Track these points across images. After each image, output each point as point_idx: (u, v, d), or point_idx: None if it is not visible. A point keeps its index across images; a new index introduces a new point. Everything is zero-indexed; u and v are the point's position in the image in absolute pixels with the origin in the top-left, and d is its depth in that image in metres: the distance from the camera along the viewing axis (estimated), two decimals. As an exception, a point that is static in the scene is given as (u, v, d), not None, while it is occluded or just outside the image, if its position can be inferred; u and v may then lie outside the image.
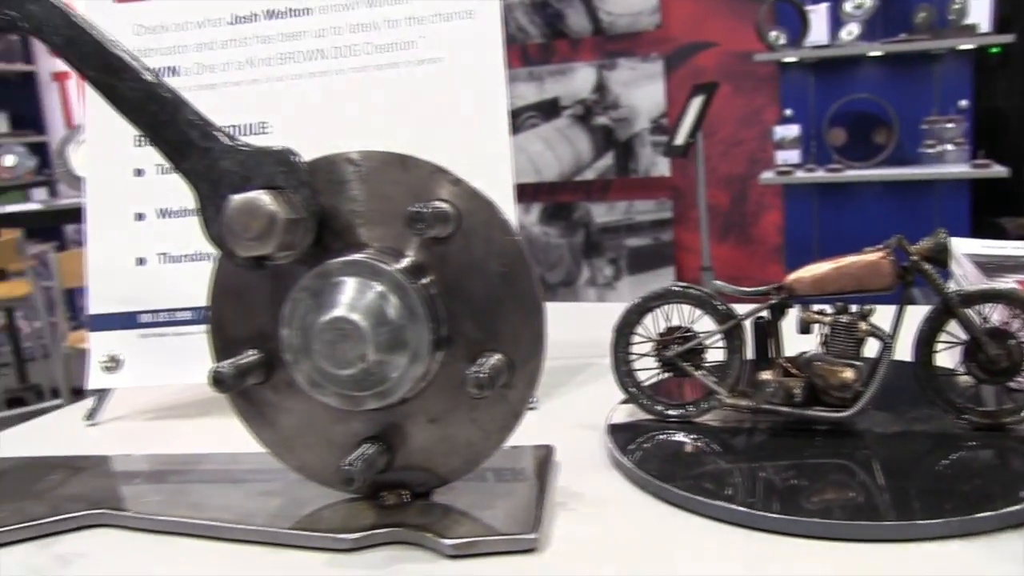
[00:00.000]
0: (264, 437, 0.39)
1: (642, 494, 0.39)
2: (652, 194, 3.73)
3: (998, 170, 3.02)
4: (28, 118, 4.63)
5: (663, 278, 3.76)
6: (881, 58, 3.27)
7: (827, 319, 0.43)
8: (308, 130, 0.55)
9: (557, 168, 3.79)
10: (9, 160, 4.26)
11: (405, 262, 0.35)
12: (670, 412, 0.45)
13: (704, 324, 0.45)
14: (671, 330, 0.46)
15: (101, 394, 0.55)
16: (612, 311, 0.48)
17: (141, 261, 0.55)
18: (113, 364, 0.54)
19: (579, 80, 3.65)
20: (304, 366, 0.35)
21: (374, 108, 0.54)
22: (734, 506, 0.36)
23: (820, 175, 3.25)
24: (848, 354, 0.42)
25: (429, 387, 0.36)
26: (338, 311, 0.34)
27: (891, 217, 3.28)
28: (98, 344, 0.55)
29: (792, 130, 3.33)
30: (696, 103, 3.02)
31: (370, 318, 0.34)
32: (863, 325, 0.42)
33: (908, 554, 0.33)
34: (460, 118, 0.54)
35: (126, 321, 0.55)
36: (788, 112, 3.41)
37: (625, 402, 0.47)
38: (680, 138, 3.01)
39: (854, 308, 0.43)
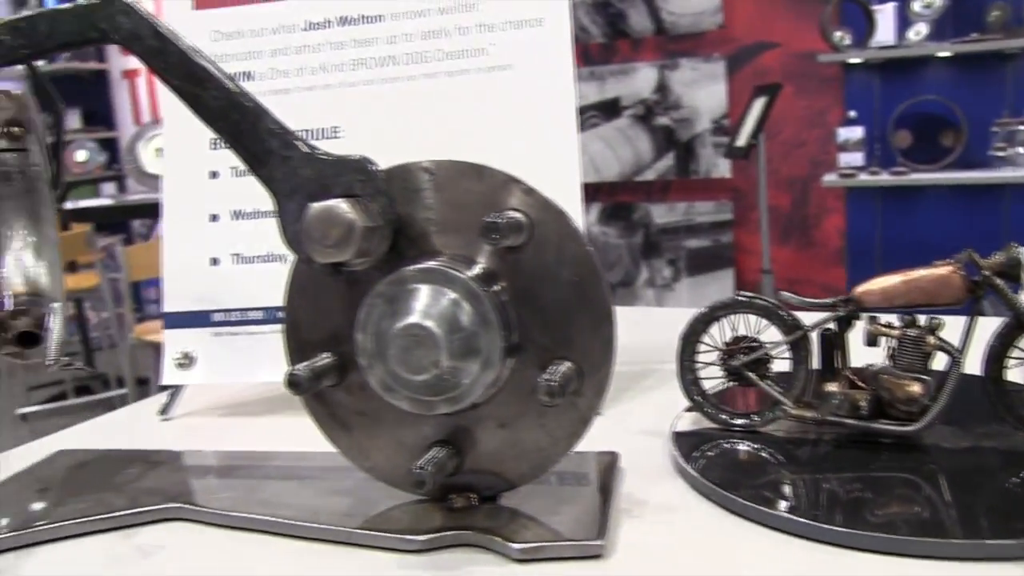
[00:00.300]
0: (336, 438, 0.40)
1: (706, 502, 0.40)
2: (712, 195, 3.69)
3: (1073, 174, 2.91)
4: (99, 115, 4.77)
5: (722, 280, 3.72)
6: (950, 58, 3.19)
7: (895, 332, 0.43)
8: (380, 135, 0.56)
9: (617, 168, 3.77)
10: (81, 155, 4.39)
11: (478, 269, 0.36)
12: (735, 421, 0.45)
13: (770, 334, 0.45)
14: (737, 339, 0.46)
15: (174, 390, 0.57)
16: (675, 316, 0.48)
17: (215, 261, 0.57)
18: (187, 361, 0.56)
19: (640, 80, 3.62)
20: (378, 370, 0.36)
21: (445, 114, 0.55)
22: (797, 517, 0.36)
23: (884, 178, 3.18)
24: (916, 367, 0.42)
25: (500, 393, 0.37)
26: (413, 318, 0.35)
27: (958, 223, 3.19)
28: (172, 341, 0.57)
29: (856, 132, 3.26)
30: (758, 104, 2.99)
31: (444, 325, 0.35)
32: (931, 339, 0.42)
33: (975, 573, 0.33)
34: (529, 125, 0.54)
35: (200, 320, 0.57)
36: (852, 114, 3.34)
37: (690, 410, 0.47)
38: (742, 139, 2.98)
39: (923, 321, 0.43)
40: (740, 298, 0.46)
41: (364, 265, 0.36)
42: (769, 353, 0.45)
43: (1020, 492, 0.38)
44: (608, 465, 0.42)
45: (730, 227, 3.72)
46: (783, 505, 0.37)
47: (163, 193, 0.58)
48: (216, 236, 0.57)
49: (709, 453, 0.43)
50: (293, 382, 0.36)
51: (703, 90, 3.58)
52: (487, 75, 0.55)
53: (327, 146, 0.54)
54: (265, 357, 0.56)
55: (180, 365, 0.56)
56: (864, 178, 3.19)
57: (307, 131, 0.57)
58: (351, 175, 0.36)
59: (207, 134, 0.47)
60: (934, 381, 0.42)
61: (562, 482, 0.41)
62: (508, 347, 0.35)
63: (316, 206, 0.35)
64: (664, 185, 3.74)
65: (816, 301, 0.45)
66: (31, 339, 0.41)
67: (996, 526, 0.35)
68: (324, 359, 0.38)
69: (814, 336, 0.44)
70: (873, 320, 0.43)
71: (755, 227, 3.58)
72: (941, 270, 0.42)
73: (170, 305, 0.57)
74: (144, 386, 3.19)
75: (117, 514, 0.40)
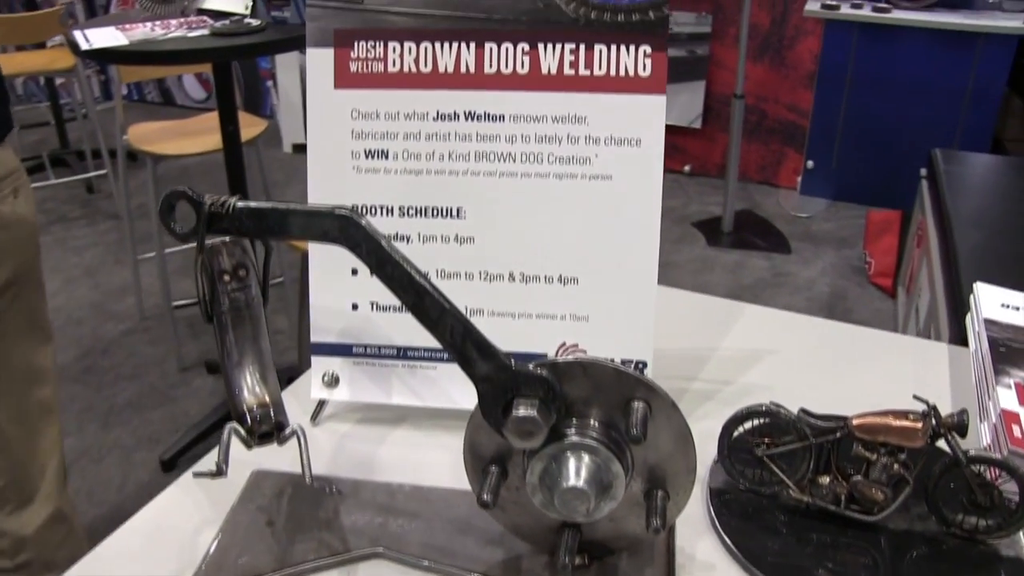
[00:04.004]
0: (495, 514, 0.58)
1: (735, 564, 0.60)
2: (693, 6, 3.67)
3: (1048, 29, 2.99)
4: None
5: (694, 91, 3.79)
6: None
7: (871, 455, 0.61)
8: (498, 222, 0.68)
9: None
10: None
11: (614, 435, 0.53)
12: (758, 488, 0.65)
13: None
14: (762, 433, 0.64)
15: (322, 402, 0.74)
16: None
17: (355, 306, 0.71)
18: (332, 381, 0.72)
19: None
20: (539, 498, 0.54)
21: (551, 212, 0.68)
22: None
23: (866, 13, 3.21)
24: (881, 481, 0.61)
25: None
26: (572, 482, 0.52)
27: (929, 63, 3.29)
28: (319, 365, 0.72)
29: (847, -41, 3.24)
30: (757, -74, 2.93)
31: (594, 486, 0.52)
32: (895, 464, 0.61)
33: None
34: (620, 229, 0.68)
35: (342, 350, 0.72)
36: (847, -63, 3.29)
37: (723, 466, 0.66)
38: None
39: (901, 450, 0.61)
40: (769, 409, 0.63)
41: (537, 442, 0.52)
42: (784, 449, 0.64)
43: (921, 567, 0.59)
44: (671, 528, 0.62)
45: (707, 40, 3.73)
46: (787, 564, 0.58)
47: (310, 250, 0.70)
48: (356, 286, 0.71)
49: (737, 512, 0.63)
50: (483, 504, 0.54)
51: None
52: (589, 182, 0.68)
53: (451, 225, 0.68)
54: (398, 383, 0.72)
55: (327, 384, 0.72)
56: (846, 11, 3.23)
57: (435, 209, 0.69)
58: (538, 386, 0.51)
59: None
60: (891, 492, 0.61)
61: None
62: (629, 485, 0.53)
63: (516, 416, 0.50)
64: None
65: (822, 425, 0.62)
66: (269, 437, 0.57)
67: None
68: (493, 471, 0.56)
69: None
70: (860, 443, 0.62)
71: (731, 42, 3.62)
72: (915, 424, 0.60)
73: (316, 337, 0.72)
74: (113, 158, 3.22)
75: (337, 558, 0.58)
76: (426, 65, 0.68)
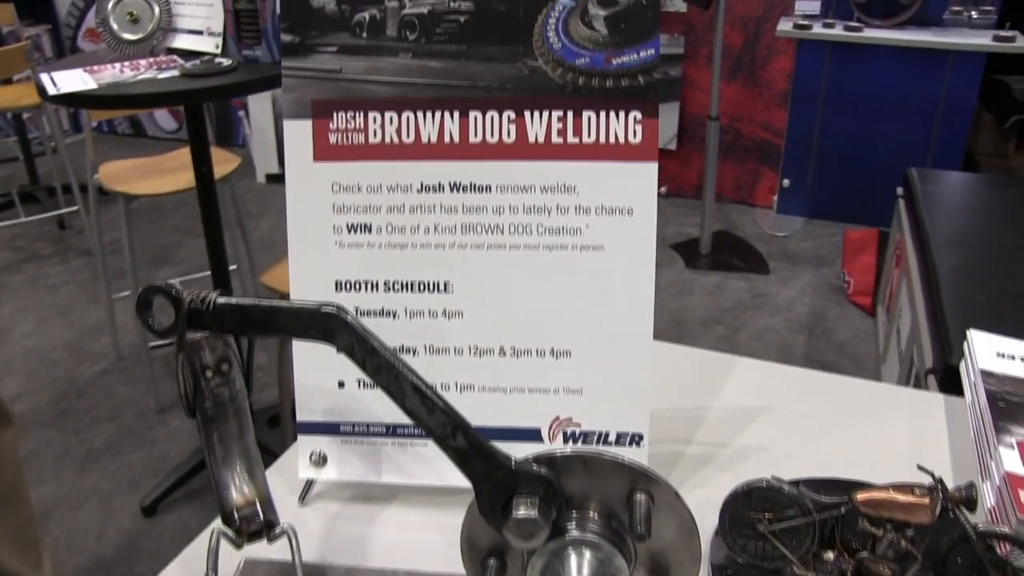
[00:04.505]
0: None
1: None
2: (666, 28, 3.68)
3: (1021, 46, 3.04)
4: None
5: (668, 112, 3.81)
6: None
7: (878, 531, 0.60)
8: (486, 296, 0.66)
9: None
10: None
11: (616, 527, 0.51)
12: (760, 563, 0.63)
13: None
14: (764, 508, 0.63)
15: (310, 482, 0.71)
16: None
17: (341, 384, 0.69)
18: (320, 460, 0.69)
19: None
20: (542, 591, 0.51)
21: (542, 284, 0.66)
22: None
23: (838, 32, 3.24)
24: (888, 556, 0.60)
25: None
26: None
27: (902, 80, 3.32)
28: (306, 444, 0.69)
29: (818, -20, 3.27)
30: (727, -50, 2.95)
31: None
32: (902, 541, 0.59)
33: None
34: (612, 301, 0.66)
35: (329, 429, 0.69)
36: (816, -42, 3.33)
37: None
38: (705, -13, 2.97)
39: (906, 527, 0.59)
40: (770, 484, 0.62)
41: (538, 542, 0.50)
42: (788, 525, 0.62)
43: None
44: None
45: (680, 61, 3.75)
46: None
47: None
48: (341, 364, 0.68)
49: (740, 600, 0.61)
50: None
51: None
52: (580, 253, 0.66)
53: (439, 300, 0.66)
54: (387, 462, 0.69)
55: (314, 463, 0.70)
56: (818, 30, 3.25)
57: (422, 283, 0.67)
58: (537, 484, 0.49)
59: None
60: (899, 568, 0.59)
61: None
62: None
63: (517, 518, 0.48)
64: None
65: (827, 501, 0.61)
66: (259, 535, 0.55)
67: None
68: (492, 566, 0.53)
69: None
70: (866, 518, 0.60)
71: (704, 63, 3.64)
72: (921, 499, 0.58)
73: (303, 416, 0.69)
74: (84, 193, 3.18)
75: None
76: (408, 135, 0.66)
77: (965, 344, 0.91)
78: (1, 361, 2.83)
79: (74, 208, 3.64)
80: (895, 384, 2.37)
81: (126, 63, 1.99)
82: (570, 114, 0.65)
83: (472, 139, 0.65)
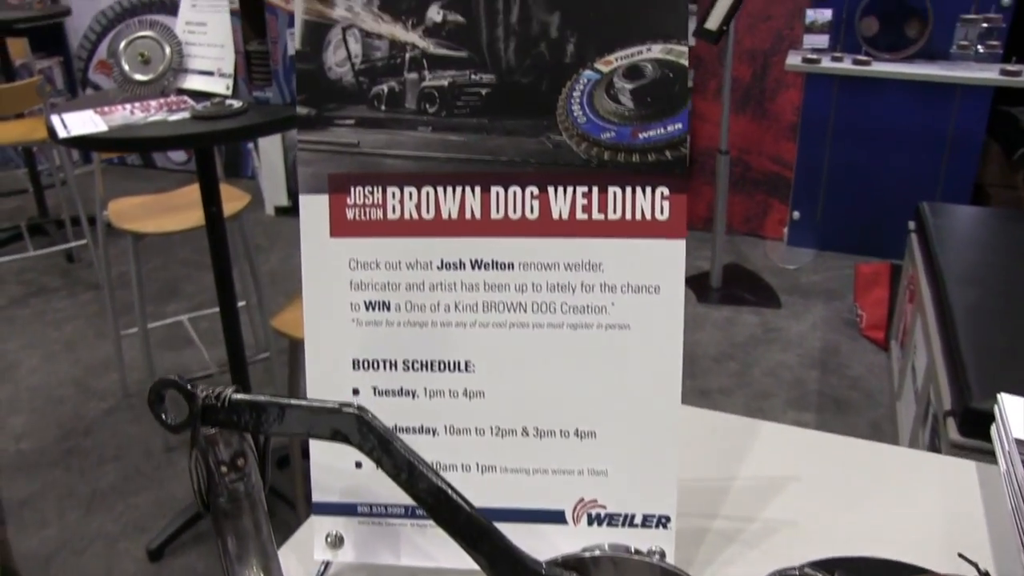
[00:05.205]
0: None
1: None
2: (675, 61, 3.68)
3: (1025, 80, 3.02)
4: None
5: (674, 145, 3.79)
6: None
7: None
8: (509, 375, 0.64)
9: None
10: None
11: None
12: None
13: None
14: (791, 601, 0.60)
15: (326, 563, 0.69)
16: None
17: (359, 465, 0.66)
18: (336, 542, 0.67)
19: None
20: None
21: (566, 364, 0.64)
22: None
23: (847, 66, 3.24)
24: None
25: None
26: None
27: (910, 112, 3.32)
28: (322, 525, 0.67)
29: (825, 14, 3.28)
30: (735, -13, 2.95)
31: None
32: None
33: None
34: (638, 383, 0.64)
35: (346, 509, 0.67)
36: (824, -8, 3.33)
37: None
38: (713, 22, 2.97)
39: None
40: (804, 573, 0.59)
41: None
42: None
43: None
44: None
45: (689, 93, 3.75)
46: None
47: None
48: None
49: None
50: None
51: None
52: (606, 332, 0.64)
53: (459, 379, 0.64)
54: (406, 543, 0.67)
55: (331, 544, 0.67)
56: (827, 64, 3.25)
57: (442, 363, 0.65)
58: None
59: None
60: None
61: None
62: None
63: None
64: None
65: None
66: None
67: None
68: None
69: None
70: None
71: (712, 96, 3.64)
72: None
73: (318, 496, 0.67)
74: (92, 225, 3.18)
75: None
76: (428, 211, 0.64)
77: (996, 408, 0.88)
78: (6, 398, 2.82)
79: (83, 241, 3.64)
80: (913, 419, 2.34)
81: (137, 104, 1.99)
82: (595, 190, 0.63)
83: (494, 215, 0.64)
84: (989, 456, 0.81)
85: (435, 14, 0.65)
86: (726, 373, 2.79)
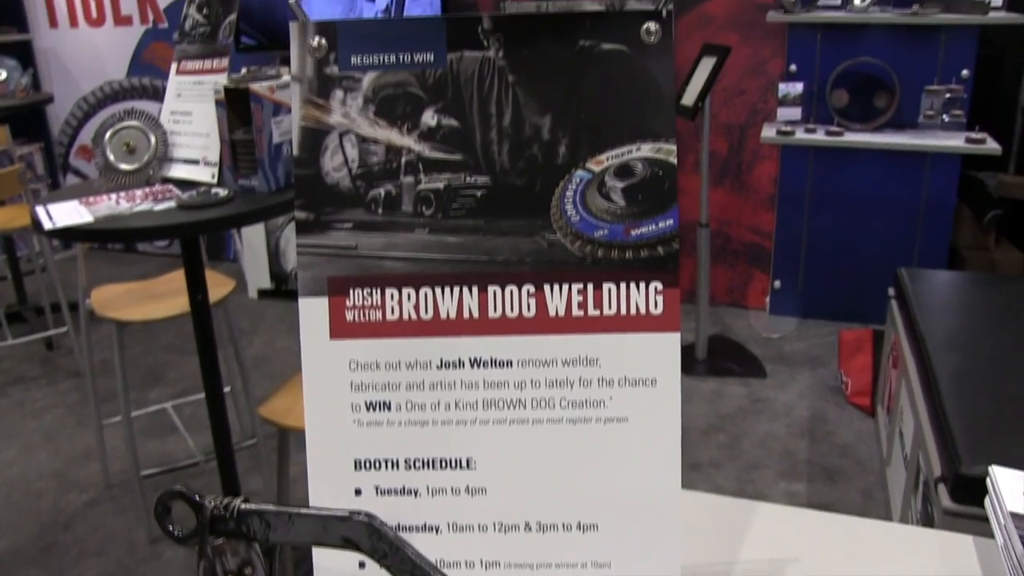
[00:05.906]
0: None
1: None
2: (651, 137, 3.77)
3: (991, 147, 3.13)
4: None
5: (654, 217, 3.85)
6: (890, 24, 3.30)
7: None
8: (510, 471, 0.65)
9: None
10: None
11: None
12: None
13: None
14: None
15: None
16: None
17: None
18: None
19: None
20: None
21: (566, 458, 0.64)
22: None
23: (820, 137, 3.33)
24: None
25: None
26: None
27: (883, 179, 3.40)
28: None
29: (797, 88, 3.38)
30: (707, 65, 3.05)
31: None
32: None
33: None
34: (638, 475, 0.64)
35: None
36: (793, 68, 3.44)
37: None
38: (688, 99, 3.06)
39: None
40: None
41: None
42: None
43: None
44: None
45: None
46: None
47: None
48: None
49: None
50: None
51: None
52: (604, 426, 0.64)
53: (461, 477, 0.64)
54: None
55: None
56: (801, 136, 3.34)
57: (444, 461, 0.65)
58: None
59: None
60: None
61: None
62: None
63: None
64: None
65: None
66: None
67: None
68: None
69: None
70: None
71: (691, 169, 3.72)
72: None
73: (320, 597, 0.66)
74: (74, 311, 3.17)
75: None
76: (427, 312, 0.65)
77: (988, 481, 0.89)
78: (-17, 493, 2.76)
79: (63, 329, 3.62)
80: (904, 485, 2.33)
81: (122, 193, 2.00)
82: (590, 287, 0.64)
83: (492, 314, 0.65)
84: (983, 522, 0.82)
85: (430, 119, 0.67)
86: (716, 445, 2.78)
